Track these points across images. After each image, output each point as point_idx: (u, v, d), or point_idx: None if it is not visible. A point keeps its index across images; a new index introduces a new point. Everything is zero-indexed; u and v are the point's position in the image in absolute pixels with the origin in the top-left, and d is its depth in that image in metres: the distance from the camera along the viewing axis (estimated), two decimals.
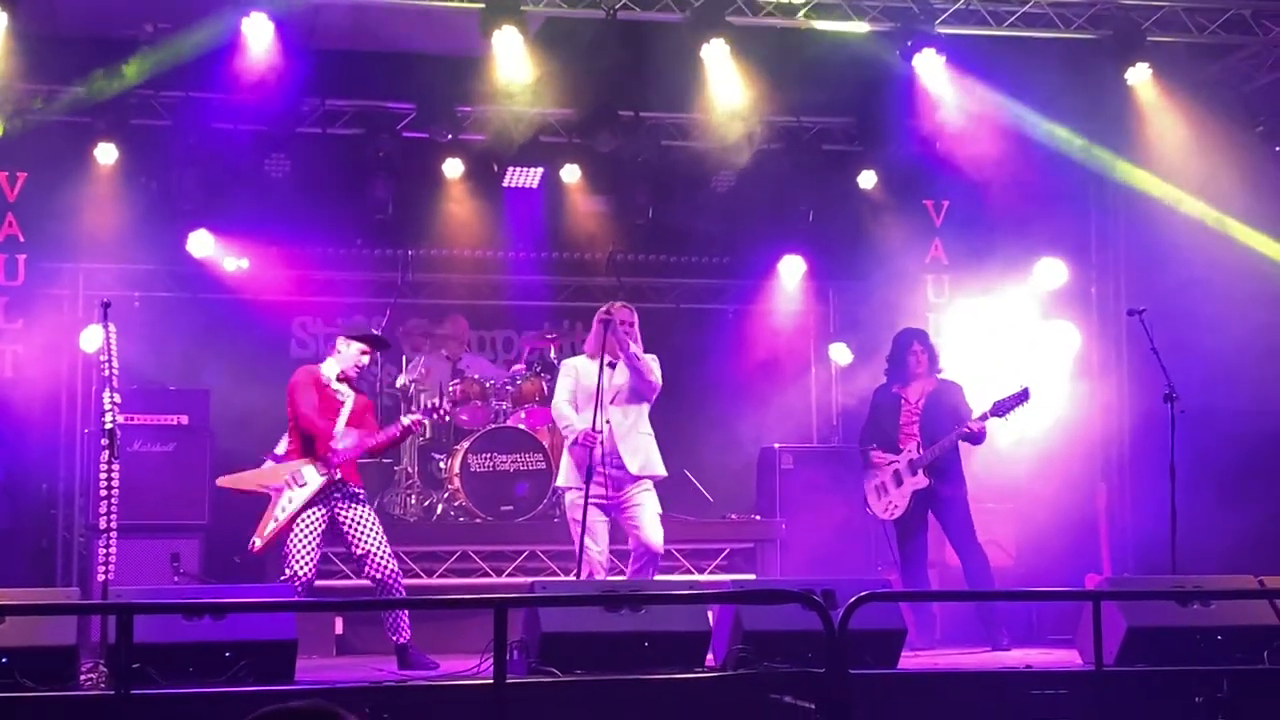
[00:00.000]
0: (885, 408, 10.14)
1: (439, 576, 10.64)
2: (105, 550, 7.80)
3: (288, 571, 8.39)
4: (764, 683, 7.22)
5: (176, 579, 10.17)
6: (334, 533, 8.57)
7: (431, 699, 7.17)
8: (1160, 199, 11.54)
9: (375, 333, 9.48)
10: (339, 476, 8.51)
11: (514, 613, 6.95)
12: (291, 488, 8.48)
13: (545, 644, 7.45)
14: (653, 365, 9.11)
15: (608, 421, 8.89)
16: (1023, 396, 9.66)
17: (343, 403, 8.72)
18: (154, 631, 6.98)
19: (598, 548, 8.88)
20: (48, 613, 7.32)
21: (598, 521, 8.91)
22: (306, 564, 8.38)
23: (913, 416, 9.97)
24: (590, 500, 8.80)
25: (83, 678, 7.29)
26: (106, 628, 7.62)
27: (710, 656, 7.82)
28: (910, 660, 8.14)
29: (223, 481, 8.93)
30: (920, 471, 9.79)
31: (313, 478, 8.48)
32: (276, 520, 8.42)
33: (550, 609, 7.56)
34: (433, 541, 10.86)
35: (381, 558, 8.51)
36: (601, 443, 8.82)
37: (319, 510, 8.49)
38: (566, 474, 9.09)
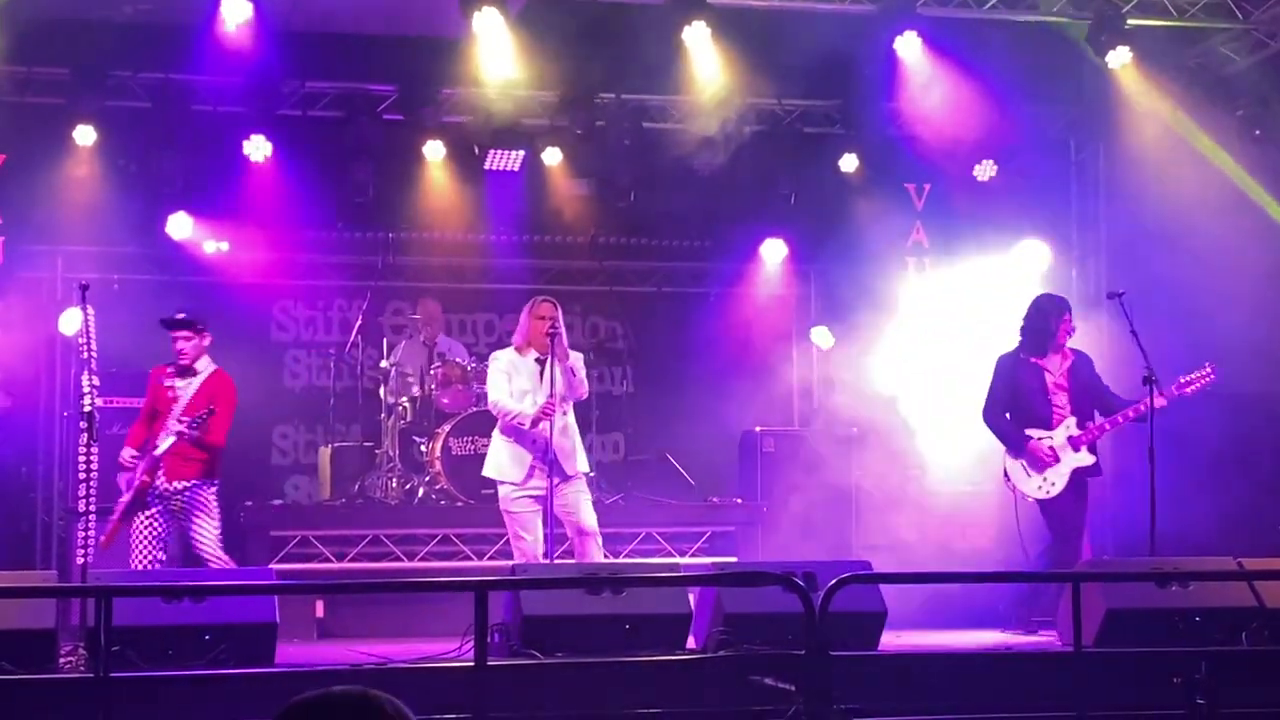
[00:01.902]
0: (1026, 382, 9.41)
1: (420, 560, 10.64)
2: (84, 533, 7.80)
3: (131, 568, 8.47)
4: (745, 665, 7.23)
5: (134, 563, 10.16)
6: (171, 523, 8.66)
7: (413, 681, 7.16)
8: (1142, 180, 11.57)
9: (165, 317, 9.07)
10: (153, 480, 8.53)
11: (495, 596, 6.95)
12: (121, 490, 8.56)
13: (526, 627, 7.46)
14: (581, 370, 9.09)
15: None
16: (1207, 378, 9.13)
17: (176, 397, 8.69)
18: (133, 614, 6.95)
19: (531, 538, 8.86)
20: (26, 595, 7.30)
21: (530, 513, 8.88)
22: (148, 562, 8.48)
23: (1060, 389, 9.35)
24: (524, 493, 8.85)
25: (62, 660, 7.28)
26: (85, 610, 7.60)
27: (691, 639, 7.83)
28: (891, 642, 8.16)
29: (105, 544, 8.74)
30: (1084, 448, 9.27)
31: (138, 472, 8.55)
32: (111, 521, 8.51)
33: (531, 592, 7.56)
34: (414, 524, 10.85)
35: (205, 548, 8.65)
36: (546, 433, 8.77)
37: (152, 509, 8.56)
38: (500, 466, 8.99)
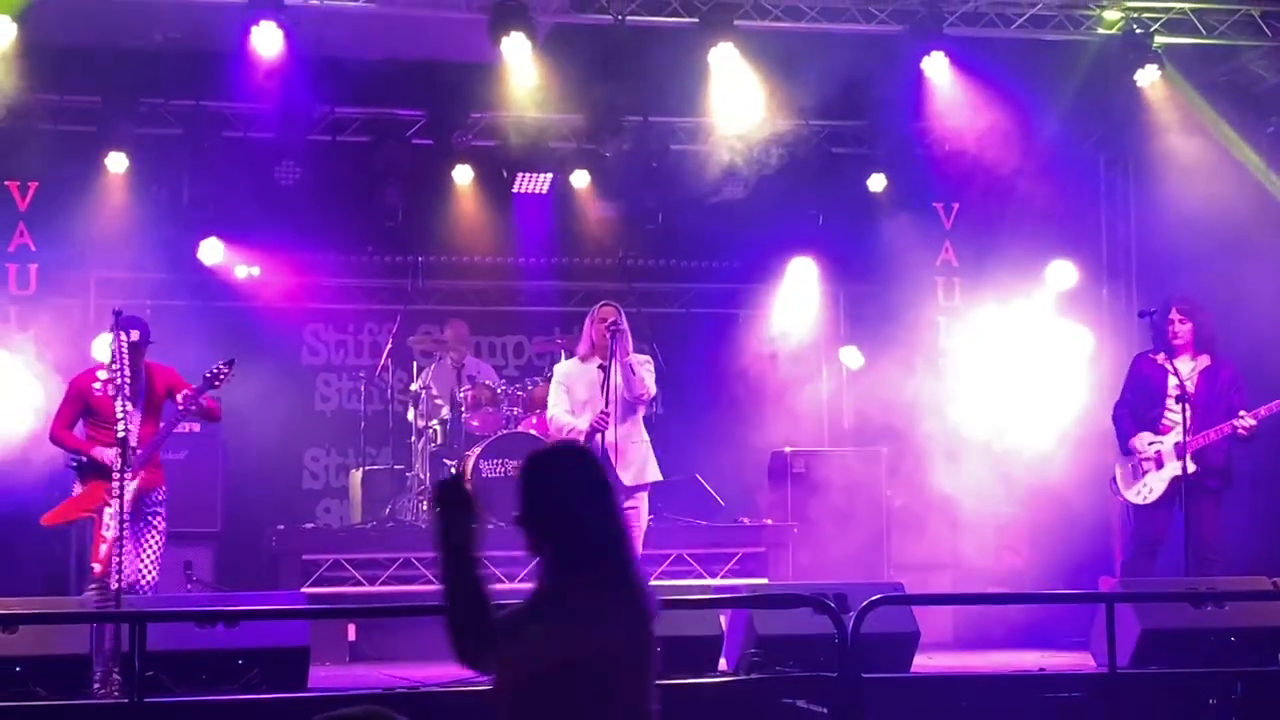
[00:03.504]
0: (1149, 381, 9.10)
1: None
2: (118, 559, 7.81)
3: (145, 563, 8.33)
4: (776, 687, 7.21)
5: (189, 587, 10.18)
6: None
7: (444, 704, 7.16)
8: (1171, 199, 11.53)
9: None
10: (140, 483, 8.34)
11: None
12: (109, 504, 8.23)
13: None
14: (647, 374, 8.95)
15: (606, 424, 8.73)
16: None
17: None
18: (167, 639, 6.99)
19: None
20: (61, 621, 7.34)
21: None
22: (150, 571, 8.36)
23: (1181, 393, 8.87)
24: None
25: (96, 686, 7.31)
26: (120, 636, 7.63)
27: (723, 661, 7.82)
28: (924, 664, 8.13)
29: (47, 520, 8.69)
30: (1188, 457, 8.83)
31: (128, 486, 8.22)
32: (105, 540, 8.23)
33: None
34: None
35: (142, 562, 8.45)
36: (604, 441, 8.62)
37: (141, 516, 8.40)
38: None
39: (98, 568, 8.24)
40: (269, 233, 12.01)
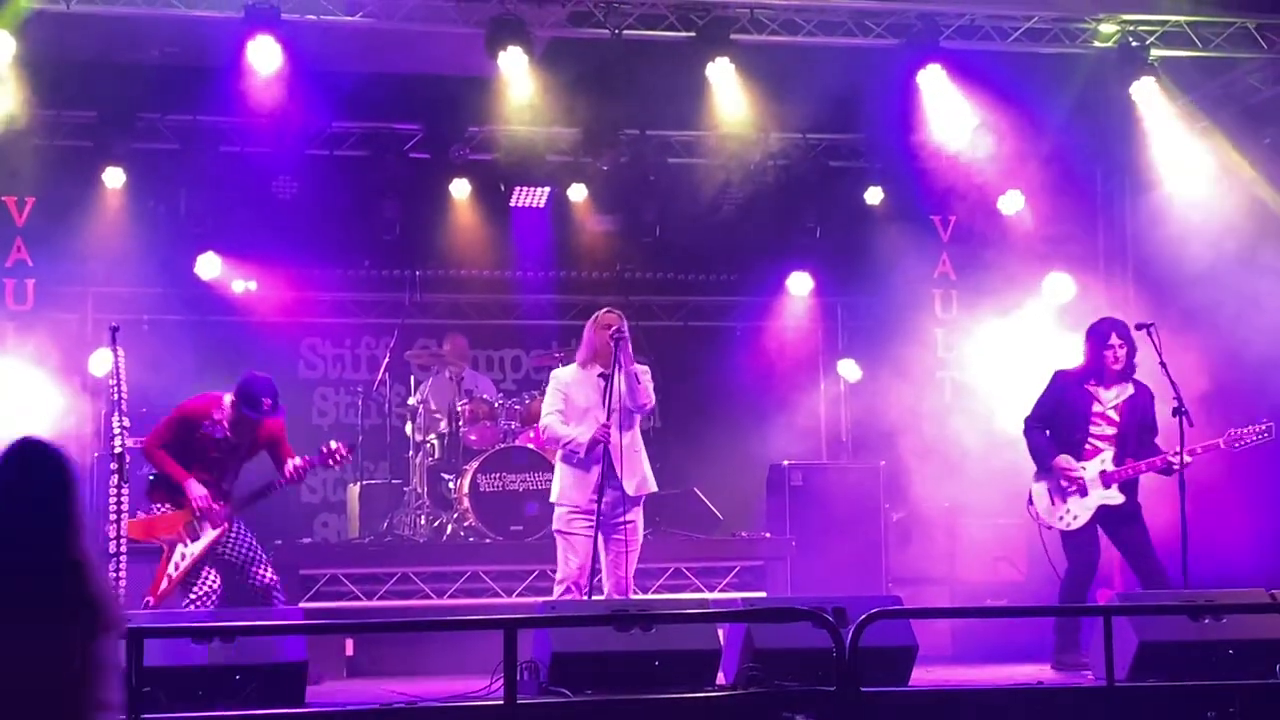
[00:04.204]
0: (1072, 404, 8.98)
1: (449, 597, 10.61)
2: (115, 574, 7.80)
3: (192, 597, 8.34)
4: (775, 701, 7.19)
5: (186, 602, 10.15)
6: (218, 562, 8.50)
7: None
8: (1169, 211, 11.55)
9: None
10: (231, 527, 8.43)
11: (524, 633, 6.94)
12: (185, 542, 8.30)
13: (555, 664, 7.43)
14: (649, 384, 8.77)
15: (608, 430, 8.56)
16: (1266, 435, 8.77)
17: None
18: (164, 655, 6.96)
19: (577, 561, 8.55)
20: None
21: (586, 536, 8.53)
22: (209, 586, 8.36)
23: (1108, 422, 8.90)
24: (582, 514, 8.52)
25: None
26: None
27: (721, 675, 7.80)
28: (922, 677, 8.11)
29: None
30: (1115, 487, 8.83)
31: (207, 533, 8.35)
32: (169, 578, 8.27)
33: (560, 629, 7.55)
34: (442, 562, 10.83)
35: (260, 565, 8.49)
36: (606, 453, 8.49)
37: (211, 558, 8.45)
38: (564, 490, 8.64)
39: (151, 600, 8.23)
40: (266, 247, 12.02)
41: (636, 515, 8.70)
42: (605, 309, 8.89)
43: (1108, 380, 8.96)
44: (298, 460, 8.49)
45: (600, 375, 8.69)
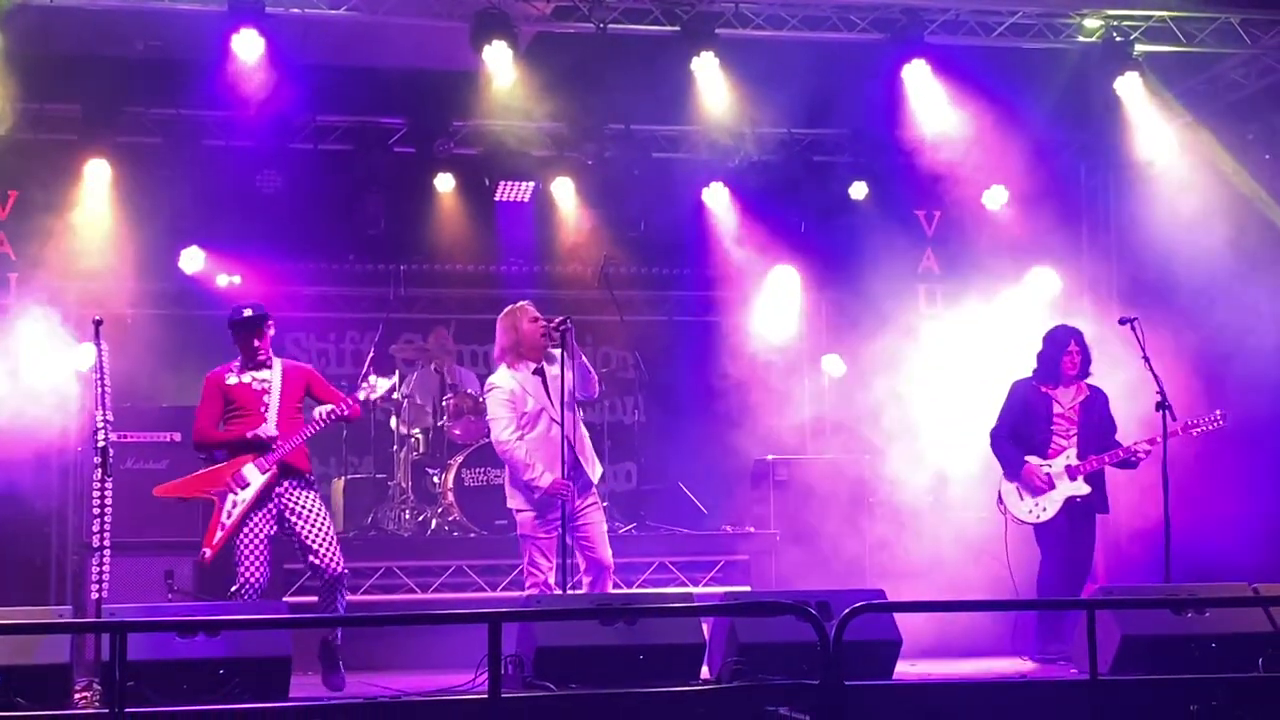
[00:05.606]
0: (1033, 409, 9.52)
1: (433, 591, 10.62)
2: (98, 568, 7.78)
3: (239, 579, 8.26)
4: (759, 695, 7.21)
5: (170, 596, 10.14)
6: (282, 525, 8.39)
7: (427, 714, 7.15)
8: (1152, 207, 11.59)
9: (236, 319, 8.67)
10: (279, 471, 8.32)
11: (509, 627, 6.95)
12: (235, 490, 8.27)
13: (540, 658, 7.44)
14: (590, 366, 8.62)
15: (559, 424, 8.47)
16: (1216, 423, 9.24)
17: (265, 389, 8.46)
18: (148, 649, 6.96)
19: (549, 564, 8.52)
20: (41, 631, 7.29)
21: (553, 539, 8.48)
22: (258, 569, 8.28)
23: (1067, 423, 9.47)
24: (549, 518, 8.50)
25: (77, 696, 7.27)
26: (100, 646, 7.60)
27: (705, 669, 7.81)
28: (906, 671, 8.13)
29: (160, 490, 8.64)
30: (1081, 479, 9.35)
31: (254, 477, 8.28)
32: (223, 526, 8.22)
33: (545, 623, 7.55)
34: (427, 556, 10.84)
35: (326, 549, 8.33)
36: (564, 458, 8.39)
37: (265, 509, 8.32)
38: (528, 498, 8.53)
39: (208, 553, 8.25)
40: (250, 241, 11.99)
41: (600, 517, 8.70)
42: (521, 304, 8.78)
43: (1064, 382, 9.52)
44: (332, 405, 8.49)
45: (535, 372, 8.60)
